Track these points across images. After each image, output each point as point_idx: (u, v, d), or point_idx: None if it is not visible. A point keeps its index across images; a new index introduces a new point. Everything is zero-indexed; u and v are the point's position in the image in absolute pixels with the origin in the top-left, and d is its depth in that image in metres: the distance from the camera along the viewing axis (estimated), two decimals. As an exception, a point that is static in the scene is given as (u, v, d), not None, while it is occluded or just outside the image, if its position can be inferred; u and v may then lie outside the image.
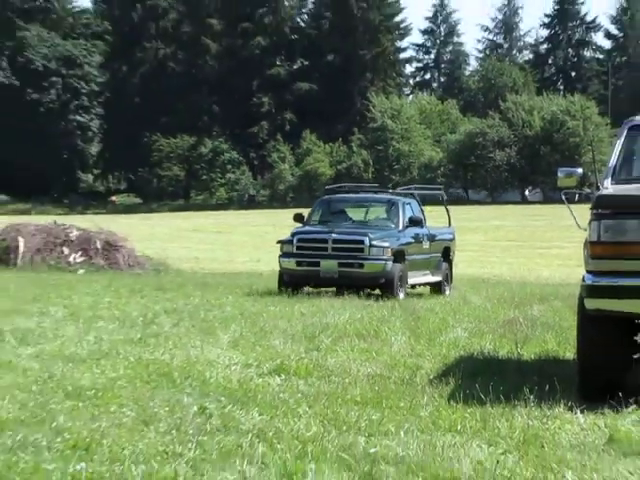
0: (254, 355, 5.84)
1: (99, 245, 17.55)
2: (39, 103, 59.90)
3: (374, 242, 11.97)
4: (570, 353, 5.71)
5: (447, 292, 13.43)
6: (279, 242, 12.74)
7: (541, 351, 6.25)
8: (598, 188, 4.91)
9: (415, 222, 12.79)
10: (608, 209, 4.16)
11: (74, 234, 17.79)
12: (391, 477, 2.64)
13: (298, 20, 67.87)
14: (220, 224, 39.29)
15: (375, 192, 15.62)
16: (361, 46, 61.68)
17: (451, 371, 5.06)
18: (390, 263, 11.97)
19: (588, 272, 4.28)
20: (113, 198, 61.47)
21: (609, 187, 4.72)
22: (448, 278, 13.66)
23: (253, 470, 2.65)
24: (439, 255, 13.59)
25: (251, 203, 55.50)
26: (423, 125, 57.13)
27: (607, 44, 69.71)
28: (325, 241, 12.21)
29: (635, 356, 4.75)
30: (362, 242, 11.97)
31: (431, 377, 4.97)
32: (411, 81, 73.76)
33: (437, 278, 13.35)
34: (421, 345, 6.54)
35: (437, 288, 13.59)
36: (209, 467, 2.70)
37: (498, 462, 2.72)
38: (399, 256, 12.22)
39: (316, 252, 12.20)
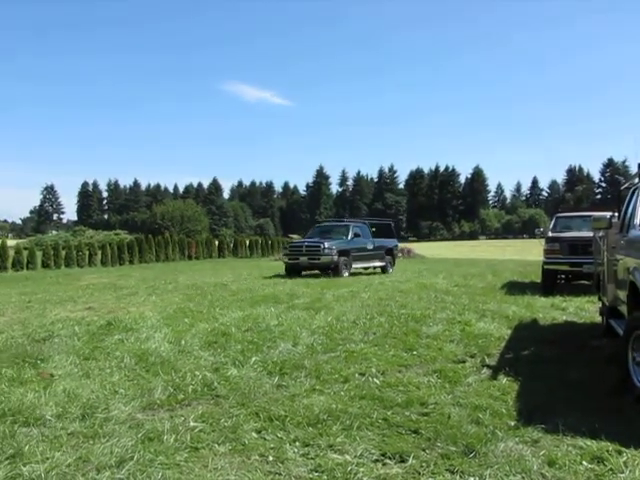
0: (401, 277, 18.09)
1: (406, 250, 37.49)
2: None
3: (326, 245, 19.65)
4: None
5: (390, 271, 21.27)
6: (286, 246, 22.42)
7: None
8: (628, 230, 5.98)
9: (357, 235, 20.69)
10: None
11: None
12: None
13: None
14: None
15: (340, 222, 24.28)
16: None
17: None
18: (336, 257, 19.51)
19: None
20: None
21: None
22: (389, 264, 21.93)
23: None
24: (382, 252, 21.42)
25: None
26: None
27: None
28: (301, 246, 20.68)
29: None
30: (320, 245, 19.73)
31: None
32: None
33: (382, 264, 21.79)
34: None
35: (382, 269, 21.64)
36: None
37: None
38: (344, 253, 19.95)
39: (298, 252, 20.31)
